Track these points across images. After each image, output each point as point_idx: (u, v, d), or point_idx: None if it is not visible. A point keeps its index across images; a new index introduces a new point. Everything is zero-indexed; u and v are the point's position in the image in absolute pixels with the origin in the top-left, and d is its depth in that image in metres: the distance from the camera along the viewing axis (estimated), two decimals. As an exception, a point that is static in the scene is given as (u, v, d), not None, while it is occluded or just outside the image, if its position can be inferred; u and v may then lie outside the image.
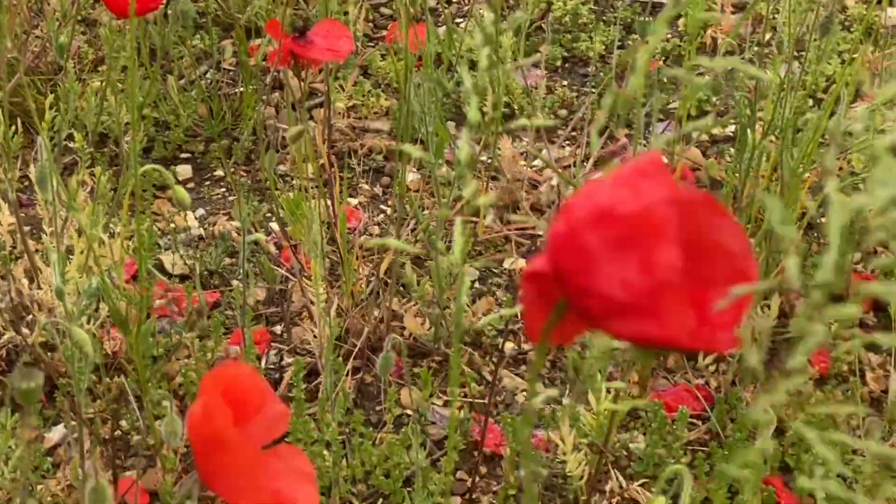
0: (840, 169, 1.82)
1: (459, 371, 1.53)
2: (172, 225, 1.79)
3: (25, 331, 1.40)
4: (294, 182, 1.63)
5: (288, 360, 1.53)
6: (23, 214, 1.69)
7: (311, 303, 1.45)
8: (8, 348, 1.48)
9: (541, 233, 1.75)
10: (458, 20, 2.35)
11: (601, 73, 2.17)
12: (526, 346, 1.61)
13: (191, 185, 1.93)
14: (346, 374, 1.43)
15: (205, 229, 1.80)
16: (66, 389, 1.37)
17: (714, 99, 2.01)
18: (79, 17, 2.20)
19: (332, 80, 2.01)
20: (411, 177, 1.90)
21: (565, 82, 2.21)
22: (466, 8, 2.40)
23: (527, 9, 2.19)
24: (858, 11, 2.36)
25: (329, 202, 1.60)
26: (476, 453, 1.37)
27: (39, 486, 1.28)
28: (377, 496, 1.35)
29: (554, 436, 1.33)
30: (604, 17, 2.38)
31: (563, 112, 2.10)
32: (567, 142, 2.01)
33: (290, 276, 1.62)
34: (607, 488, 1.37)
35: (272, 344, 1.56)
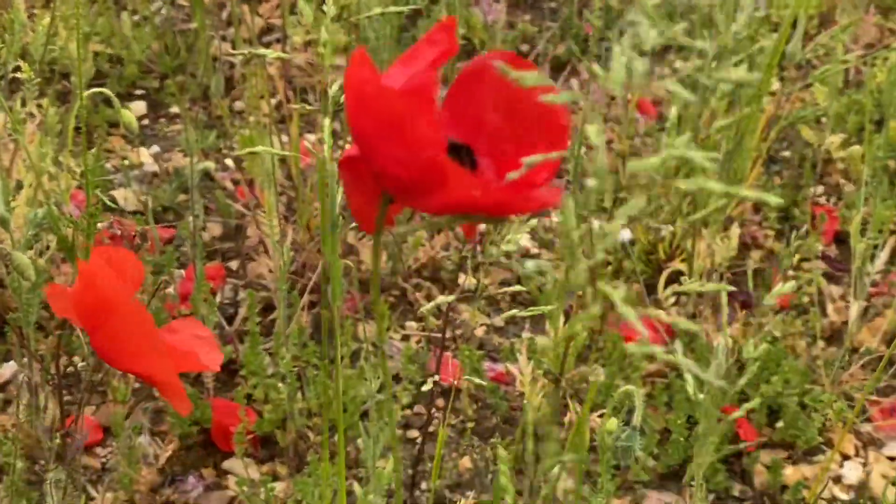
0: (802, 101, 1.80)
1: (418, 306, 1.52)
2: (126, 161, 1.75)
3: (-28, 266, 1.37)
4: (250, 118, 1.60)
5: (243, 295, 1.51)
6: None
7: (267, 236, 1.43)
8: (-44, 285, 1.45)
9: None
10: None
11: (564, 8, 2.14)
12: (486, 281, 1.60)
13: (145, 121, 1.89)
14: (302, 309, 1.41)
15: (159, 166, 1.76)
16: (16, 325, 1.34)
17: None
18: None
19: (289, 15, 1.96)
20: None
21: (527, 17, 2.18)
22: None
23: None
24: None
25: (286, 138, 1.57)
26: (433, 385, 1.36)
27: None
28: (333, 430, 1.33)
29: (513, 369, 1.31)
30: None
31: (525, 47, 2.07)
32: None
33: (246, 212, 1.59)
34: (566, 419, 1.36)
35: (228, 279, 1.53)
